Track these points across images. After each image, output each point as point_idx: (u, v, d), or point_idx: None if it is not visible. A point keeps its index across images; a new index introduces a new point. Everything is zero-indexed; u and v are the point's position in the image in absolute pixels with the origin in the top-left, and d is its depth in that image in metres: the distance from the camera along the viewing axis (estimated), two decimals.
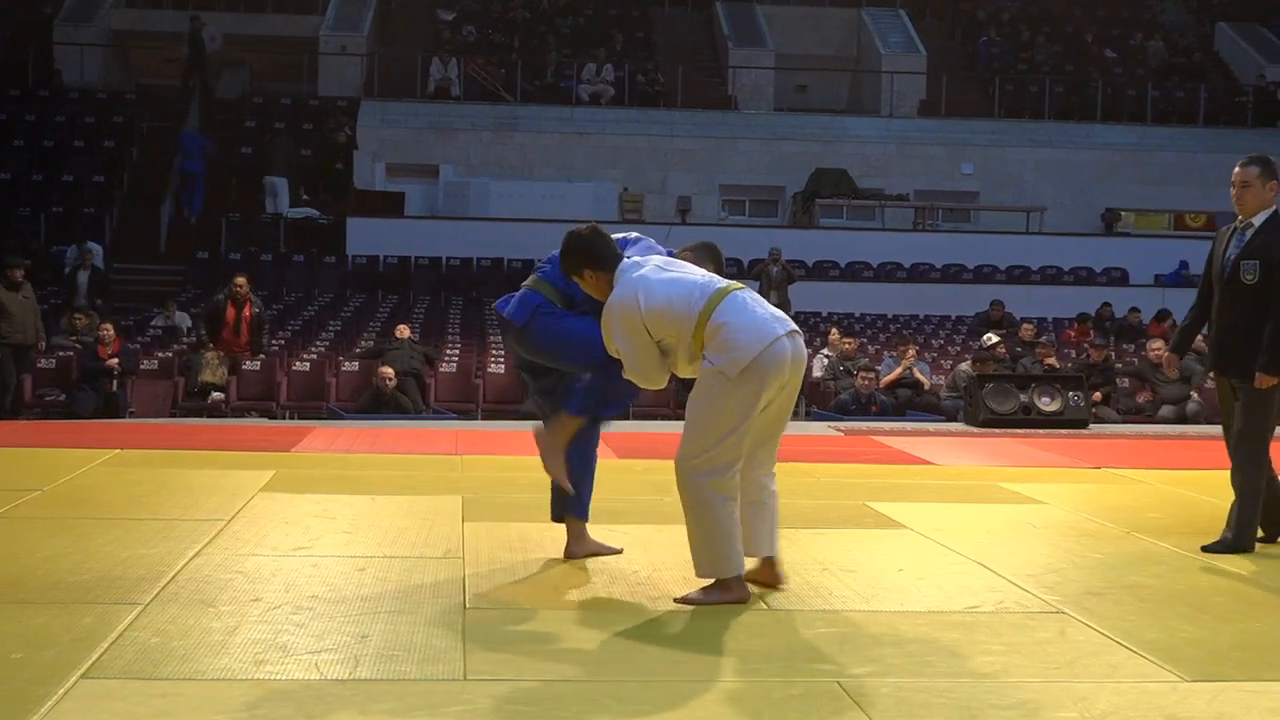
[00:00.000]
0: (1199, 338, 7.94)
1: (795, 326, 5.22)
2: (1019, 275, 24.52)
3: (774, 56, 29.50)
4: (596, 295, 5.34)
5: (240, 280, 15.72)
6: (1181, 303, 21.69)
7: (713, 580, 5.19)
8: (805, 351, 5.27)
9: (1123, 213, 27.65)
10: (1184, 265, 24.48)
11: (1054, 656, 4.61)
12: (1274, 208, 6.78)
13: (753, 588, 5.27)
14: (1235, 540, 6.45)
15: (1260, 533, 6.59)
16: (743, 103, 28.66)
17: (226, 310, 15.51)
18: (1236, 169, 6.83)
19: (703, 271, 5.31)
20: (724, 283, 5.20)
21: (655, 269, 5.24)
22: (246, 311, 15.61)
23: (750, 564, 5.34)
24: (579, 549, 5.93)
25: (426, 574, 5.54)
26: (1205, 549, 6.43)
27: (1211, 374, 7.15)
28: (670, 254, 5.61)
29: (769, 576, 5.41)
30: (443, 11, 30.60)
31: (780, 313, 5.24)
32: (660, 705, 3.95)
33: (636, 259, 5.33)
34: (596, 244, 5.32)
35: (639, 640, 4.64)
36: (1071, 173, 27.42)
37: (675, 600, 5.21)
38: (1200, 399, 15.71)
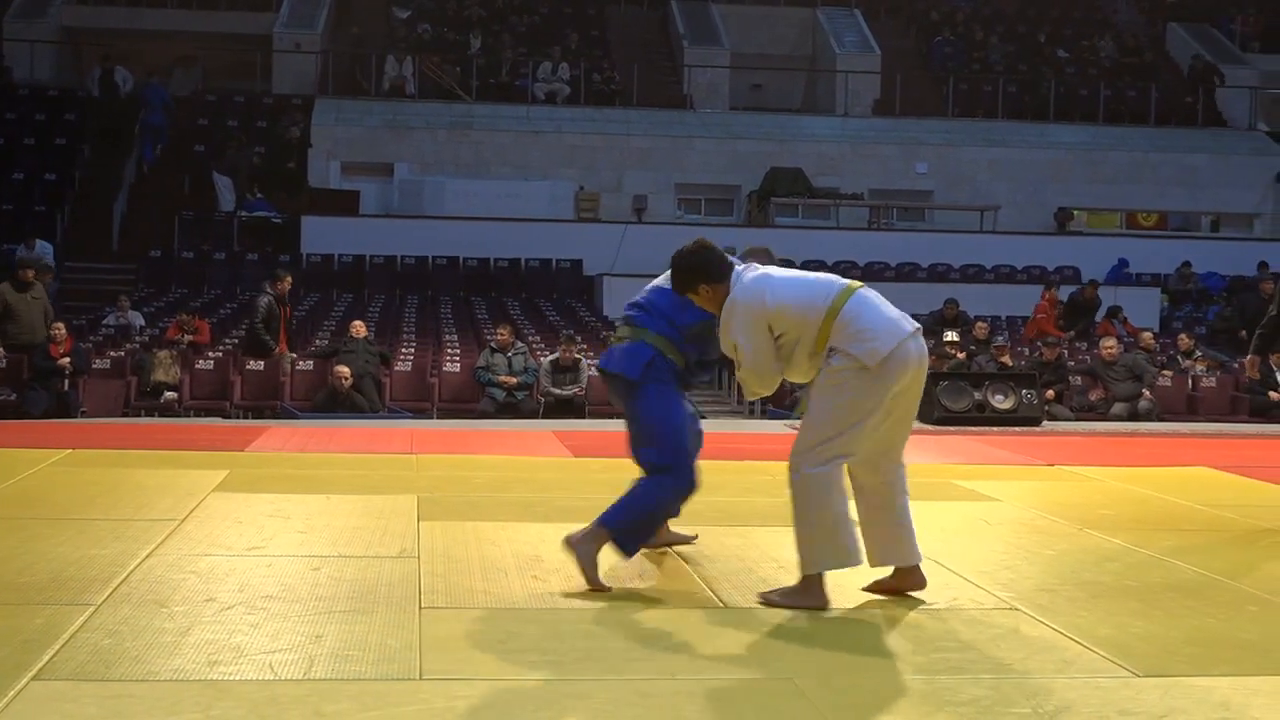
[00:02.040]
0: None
1: (918, 326, 5.25)
2: (973, 274, 24.64)
3: (729, 55, 29.53)
4: (712, 309, 5.36)
5: (290, 279, 15.71)
6: (1129, 300, 22.02)
7: (798, 581, 5.19)
8: (926, 351, 5.27)
9: (1075, 212, 27.86)
10: (1124, 263, 24.72)
11: (1008, 653, 4.64)
12: None
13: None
14: None
15: None
16: (698, 102, 28.69)
17: (280, 311, 15.40)
18: None
19: (823, 274, 5.35)
20: (849, 281, 5.26)
21: (771, 271, 5.30)
22: (288, 312, 15.72)
23: (881, 571, 5.33)
24: (656, 538, 5.97)
25: (381, 573, 5.52)
26: None
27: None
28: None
29: (913, 582, 5.37)
30: (398, 9, 30.48)
31: (903, 314, 5.26)
32: (618, 704, 3.95)
33: (747, 266, 5.35)
34: (708, 257, 5.34)
35: (596, 639, 4.64)
36: (1025, 172, 27.58)
37: (758, 597, 5.24)
38: (1151, 397, 15.85)
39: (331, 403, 13.98)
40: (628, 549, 5.54)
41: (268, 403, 14.75)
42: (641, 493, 5.55)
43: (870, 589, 5.36)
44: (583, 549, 5.44)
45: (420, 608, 4.98)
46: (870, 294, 5.23)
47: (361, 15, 30.46)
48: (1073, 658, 4.59)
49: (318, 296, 21.69)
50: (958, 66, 30.53)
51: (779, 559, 5.99)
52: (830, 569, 5.15)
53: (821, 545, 5.11)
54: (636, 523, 5.53)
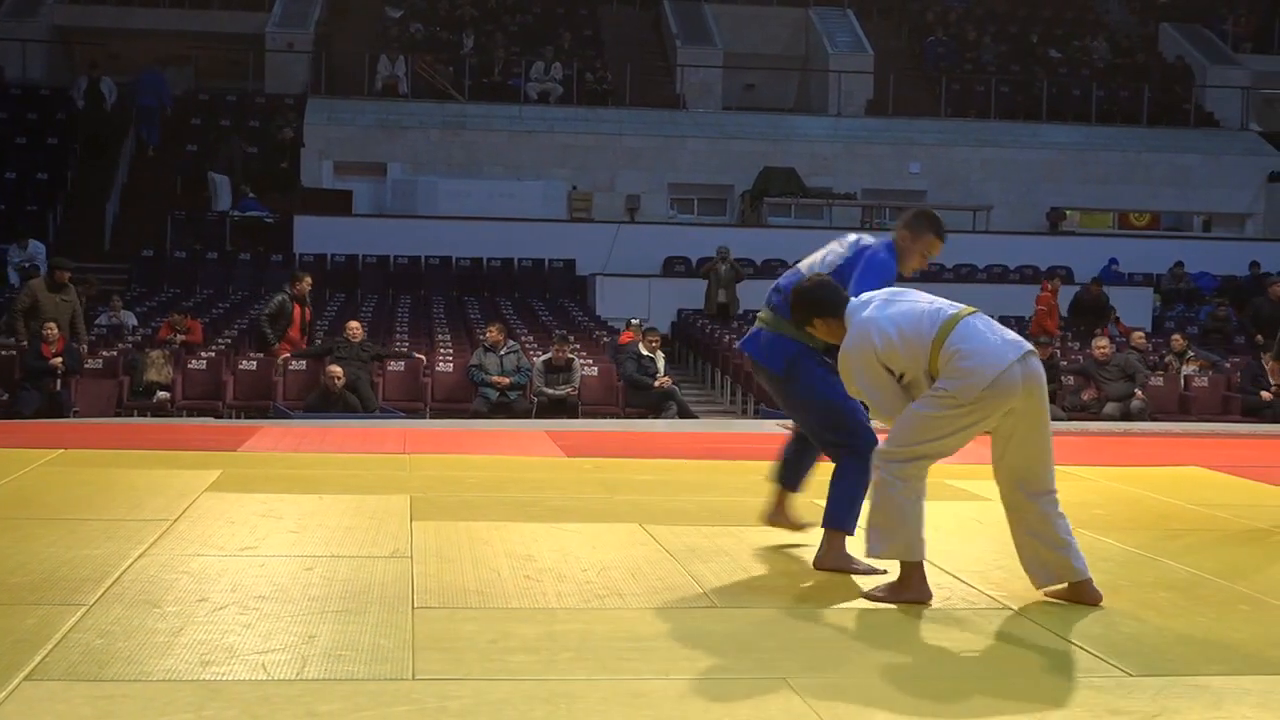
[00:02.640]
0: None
1: (1031, 347, 5.24)
2: (965, 274, 24.66)
3: (722, 55, 29.55)
4: (831, 340, 5.49)
5: (309, 280, 15.82)
6: (1122, 300, 22.04)
7: (897, 579, 5.30)
8: (1042, 370, 5.26)
9: (1068, 212, 27.90)
10: (1114, 262, 24.77)
11: (1000, 652, 4.65)
12: None
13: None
14: None
15: None
16: (691, 101, 28.70)
17: (294, 310, 15.50)
18: None
19: (930, 298, 5.38)
20: (955, 309, 5.27)
21: (881, 305, 5.31)
22: (307, 313, 15.77)
23: (1058, 587, 5.35)
24: (780, 516, 6.25)
25: (374, 573, 5.52)
26: None
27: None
28: (877, 256, 5.82)
29: (1089, 595, 5.34)
30: (390, 9, 30.48)
31: (1015, 336, 5.26)
32: (610, 703, 3.95)
33: (864, 296, 5.41)
34: (819, 294, 5.46)
35: (587, 638, 4.63)
36: (1017, 172, 27.62)
37: (863, 594, 5.34)
38: (1143, 396, 15.87)
39: (324, 403, 13.97)
40: (851, 529, 5.75)
41: (260, 403, 14.73)
42: (844, 484, 5.74)
43: (1051, 595, 5.38)
44: (835, 561, 5.73)
45: (413, 608, 4.97)
46: (976, 321, 5.22)
47: (354, 15, 30.45)
48: (1065, 657, 4.60)
49: (310, 297, 21.63)
50: (950, 66, 30.57)
51: (771, 559, 6.00)
52: (897, 557, 5.28)
53: (892, 533, 5.23)
54: (855, 508, 5.72)
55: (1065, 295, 21.32)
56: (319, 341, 16.70)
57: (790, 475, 6.19)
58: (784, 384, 5.83)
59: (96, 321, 18.52)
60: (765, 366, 5.88)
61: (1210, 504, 8.01)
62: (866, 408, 5.70)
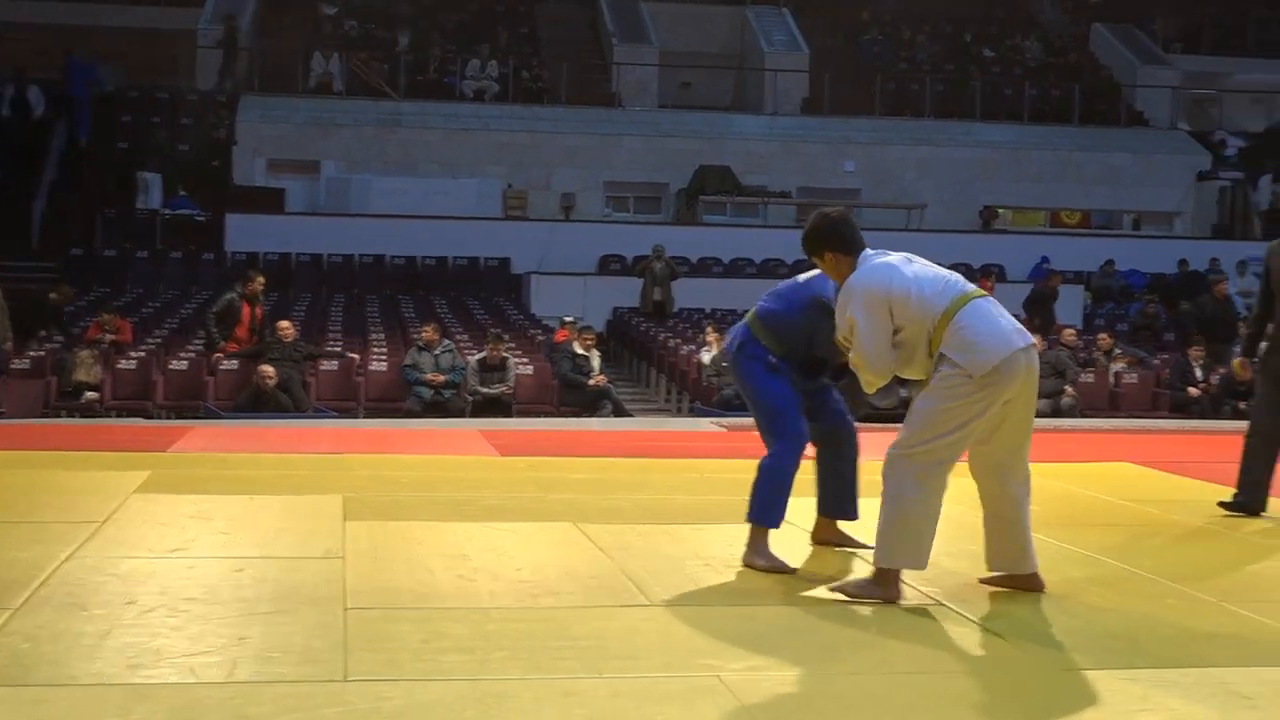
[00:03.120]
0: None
1: (1032, 340, 5.24)
2: None
3: (658, 54, 29.56)
4: (834, 276, 5.43)
5: (261, 279, 15.69)
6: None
7: (873, 573, 5.28)
8: (1038, 364, 5.28)
9: (1000, 210, 28.12)
10: (1045, 260, 25.01)
11: (932, 648, 4.67)
12: None
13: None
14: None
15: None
16: (627, 100, 28.69)
17: (243, 309, 15.35)
18: None
19: (948, 271, 5.33)
20: (970, 286, 5.24)
21: (904, 260, 5.27)
22: (259, 311, 15.59)
23: (998, 575, 5.47)
24: (834, 538, 6.26)
25: (306, 574, 5.48)
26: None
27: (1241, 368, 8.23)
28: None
29: (1031, 585, 5.45)
30: (325, 6, 30.29)
31: (1019, 325, 5.25)
32: (543, 702, 3.94)
33: (880, 251, 5.37)
34: (843, 229, 5.38)
35: (520, 638, 4.62)
36: (951, 170, 27.81)
37: (829, 589, 5.33)
38: (1074, 393, 16.02)
39: (256, 403, 13.86)
40: (774, 522, 5.80)
41: (191, 403, 14.60)
42: (763, 476, 5.79)
43: (988, 581, 5.50)
44: (752, 558, 5.76)
45: (345, 608, 4.94)
46: (987, 304, 5.21)
47: (288, 11, 30.21)
48: (996, 652, 4.63)
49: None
50: (885, 65, 30.75)
51: (705, 556, 6.00)
52: (902, 567, 5.23)
53: (899, 543, 5.17)
54: (769, 498, 5.77)
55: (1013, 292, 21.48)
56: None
57: (830, 502, 6.22)
58: (732, 366, 5.99)
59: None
60: (728, 350, 6.04)
61: (1140, 499, 8.09)
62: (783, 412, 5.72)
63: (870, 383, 5.37)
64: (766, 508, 5.78)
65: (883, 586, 5.23)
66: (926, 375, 5.23)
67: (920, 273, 5.22)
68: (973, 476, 5.38)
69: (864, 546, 5.95)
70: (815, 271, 5.76)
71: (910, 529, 5.15)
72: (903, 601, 5.24)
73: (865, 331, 5.15)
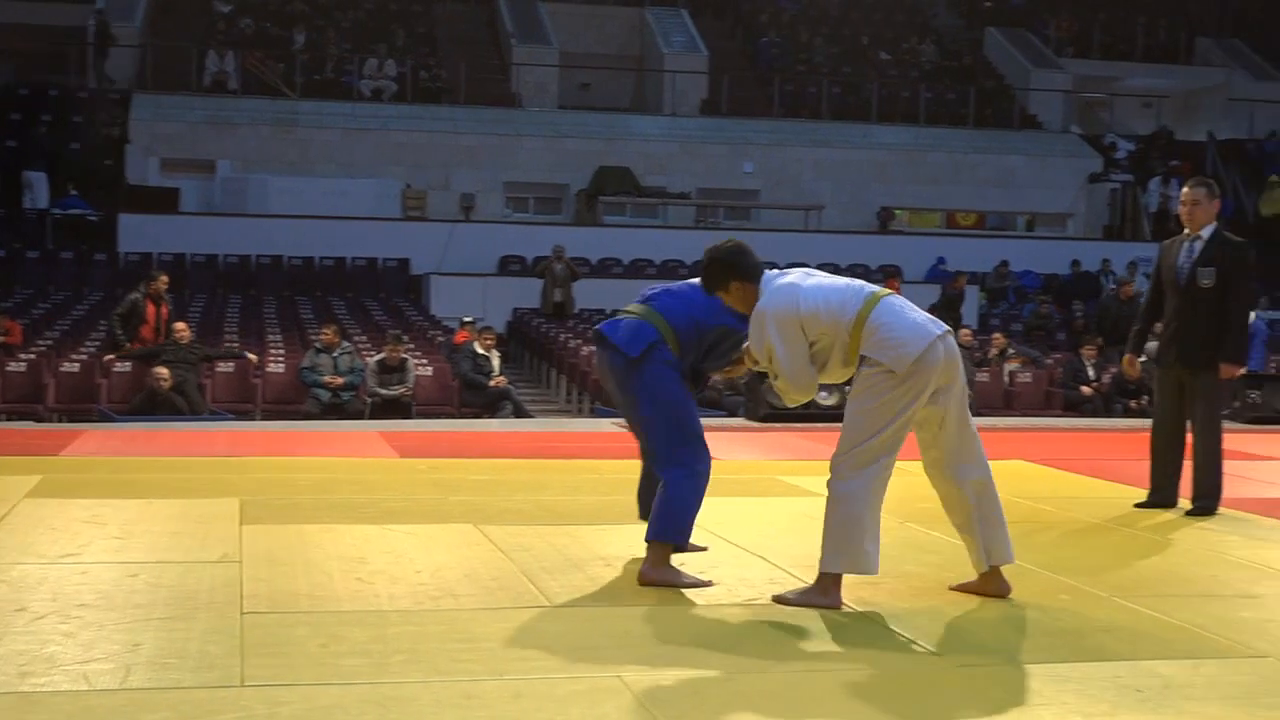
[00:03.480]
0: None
1: (947, 328, 5.28)
2: None
3: (558, 54, 29.54)
4: (741, 308, 5.37)
5: (165, 279, 15.61)
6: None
7: (815, 580, 5.25)
8: (958, 351, 5.32)
9: (897, 211, 28.42)
10: (941, 261, 25.33)
11: (830, 646, 4.71)
12: (1215, 223, 7.69)
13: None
14: (1211, 503, 7.63)
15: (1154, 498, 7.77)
16: (526, 100, 28.64)
17: (147, 309, 15.21)
18: (1186, 189, 7.75)
19: (847, 279, 5.39)
20: (874, 288, 5.30)
21: (803, 276, 5.31)
22: (164, 310, 15.43)
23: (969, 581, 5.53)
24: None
25: (202, 579, 5.41)
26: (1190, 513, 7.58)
27: (1144, 365, 8.34)
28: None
29: (996, 587, 5.46)
30: (219, 3, 29.92)
31: (931, 316, 5.30)
32: (443, 704, 3.92)
33: (779, 272, 5.37)
34: (744, 258, 5.35)
35: (420, 640, 4.60)
36: (848, 172, 28.05)
37: (773, 599, 5.27)
38: (970, 392, 16.22)
39: (150, 405, 13.66)
40: (685, 544, 5.62)
41: (83, 406, 14.36)
42: (674, 494, 5.51)
43: (959, 589, 5.54)
44: (659, 576, 5.51)
45: (242, 613, 4.89)
46: (897, 301, 5.27)
47: (182, 8, 29.80)
48: (892, 647, 4.68)
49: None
50: (783, 67, 30.96)
51: (606, 557, 6.01)
52: (845, 572, 5.21)
53: (841, 548, 5.16)
54: (682, 520, 5.53)
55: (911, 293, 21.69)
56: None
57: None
58: (631, 370, 5.53)
59: None
60: (619, 346, 5.56)
61: (1034, 496, 8.22)
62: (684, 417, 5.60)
63: (796, 400, 5.41)
64: (685, 528, 5.57)
65: (824, 593, 5.23)
66: (845, 378, 5.32)
67: (822, 285, 5.28)
68: (933, 486, 5.45)
69: (697, 549, 5.93)
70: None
71: (854, 532, 5.16)
72: (769, 598, 5.30)
73: (784, 354, 5.19)
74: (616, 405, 5.92)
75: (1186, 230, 7.71)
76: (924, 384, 5.14)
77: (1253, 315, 17.30)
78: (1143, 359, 8.41)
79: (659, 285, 5.86)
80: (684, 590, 5.44)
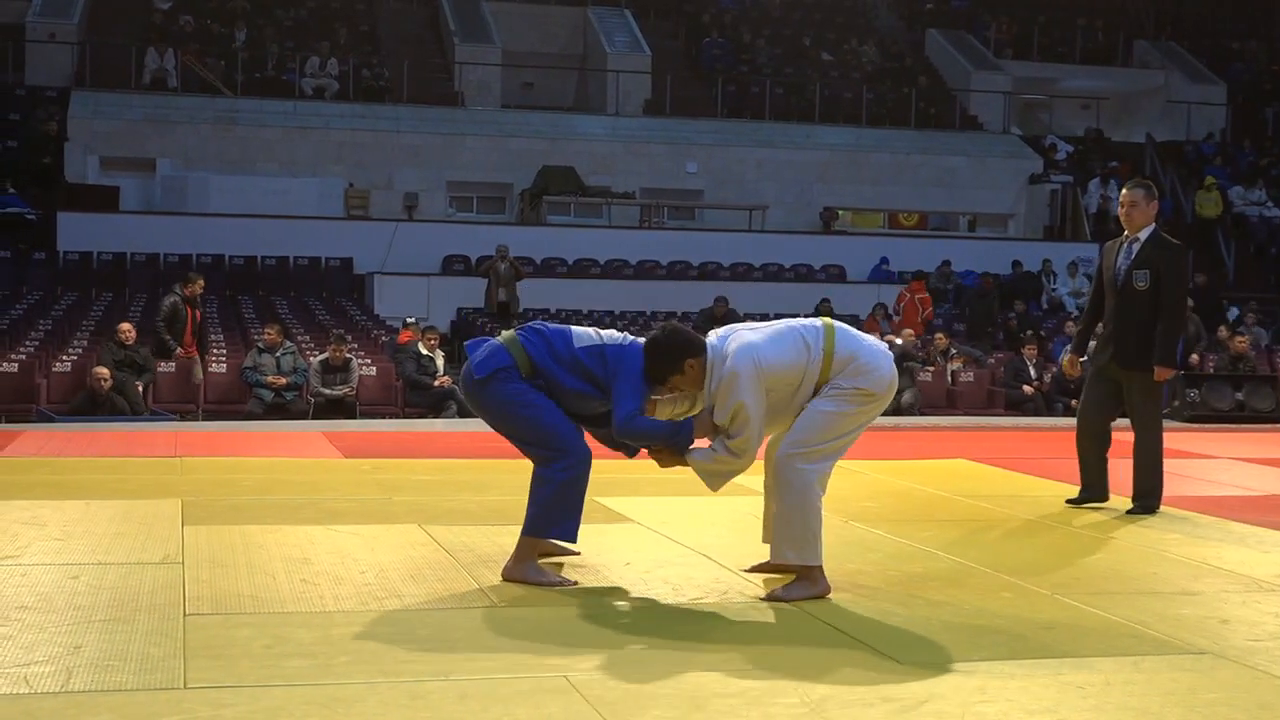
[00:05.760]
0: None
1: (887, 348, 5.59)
2: (742, 272, 25.04)
3: (500, 53, 29.46)
4: (694, 387, 5.40)
5: (201, 282, 15.77)
6: (892, 298, 22.63)
7: (795, 576, 5.39)
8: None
9: (840, 211, 28.54)
10: (885, 261, 25.48)
11: (776, 644, 4.72)
12: (1154, 225, 7.71)
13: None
14: (1152, 502, 7.66)
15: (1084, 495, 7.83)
16: (469, 99, 28.56)
17: (187, 312, 15.36)
18: (1125, 191, 7.78)
19: (785, 320, 5.53)
20: (820, 321, 5.47)
21: (748, 331, 5.42)
22: (198, 315, 15.62)
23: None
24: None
25: (144, 580, 5.37)
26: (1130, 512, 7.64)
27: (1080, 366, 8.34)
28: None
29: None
30: (159, 0, 29.65)
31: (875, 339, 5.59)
32: (389, 706, 3.91)
33: (719, 332, 5.44)
34: (685, 335, 5.42)
35: (366, 640, 4.58)
36: (792, 172, 28.13)
37: (765, 598, 5.33)
38: (914, 391, 16.33)
39: (91, 405, 13.53)
40: (569, 536, 5.55)
41: (23, 406, 14.20)
42: (546, 489, 5.49)
43: (758, 569, 5.74)
44: (521, 572, 5.49)
45: (184, 615, 4.85)
46: (845, 327, 5.49)
47: (120, 5, 29.50)
48: (839, 647, 4.70)
49: (75, 296, 20.97)
50: (726, 68, 31.02)
51: (552, 557, 5.99)
52: (812, 563, 5.37)
53: (808, 540, 5.34)
54: (563, 512, 5.49)
55: (864, 292, 21.84)
56: (84, 344, 16.18)
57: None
58: (480, 388, 5.43)
59: None
60: (472, 366, 5.46)
61: (976, 495, 8.28)
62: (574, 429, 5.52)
63: (742, 468, 5.47)
64: (566, 522, 5.51)
65: (814, 585, 5.37)
66: (785, 426, 5.44)
67: (774, 335, 5.39)
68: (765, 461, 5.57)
69: (569, 553, 5.93)
70: (620, 343, 5.50)
71: (816, 523, 5.37)
72: (713, 597, 5.32)
73: (756, 413, 5.28)
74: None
75: (1126, 232, 7.79)
76: (884, 404, 5.44)
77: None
78: (1083, 359, 8.49)
79: (533, 325, 5.66)
80: (631, 590, 5.45)
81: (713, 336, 5.44)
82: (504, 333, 5.65)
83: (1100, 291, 7.96)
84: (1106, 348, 7.82)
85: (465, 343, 5.79)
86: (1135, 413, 7.82)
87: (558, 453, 5.45)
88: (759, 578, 5.67)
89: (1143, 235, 7.70)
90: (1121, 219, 7.82)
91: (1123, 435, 7.99)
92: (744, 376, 5.24)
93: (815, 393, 5.35)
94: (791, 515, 5.35)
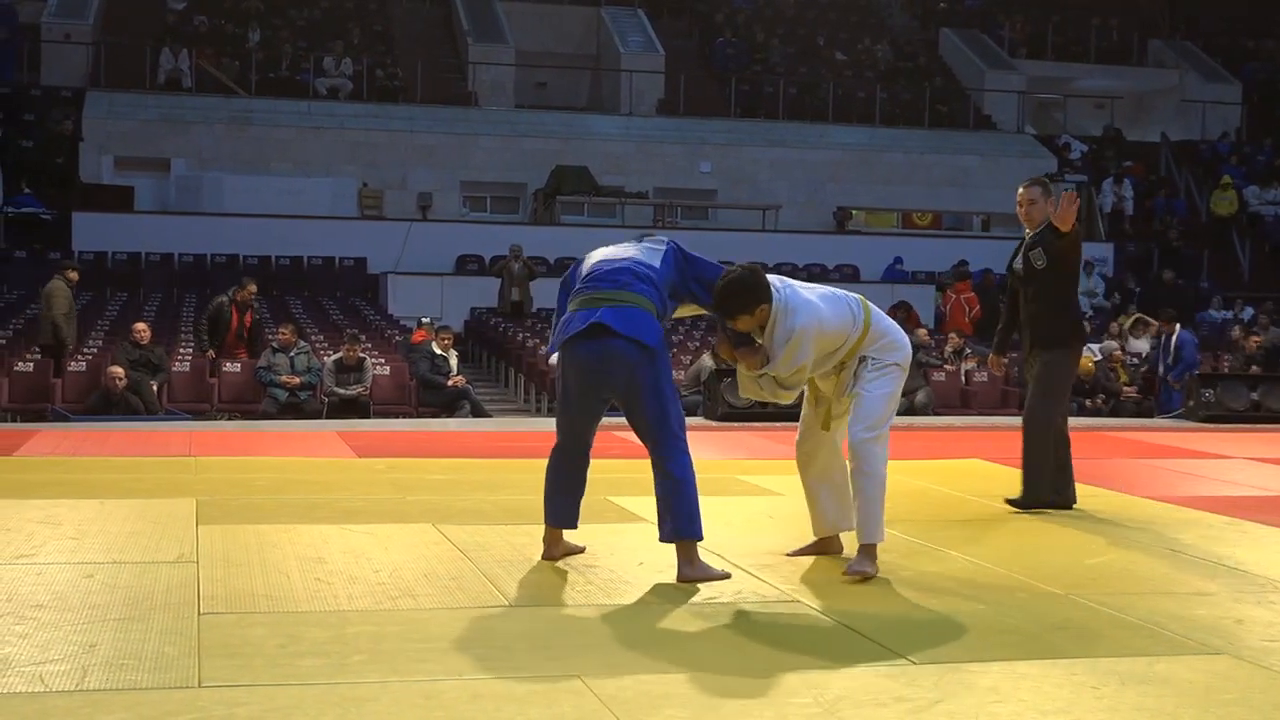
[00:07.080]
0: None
1: None
2: None
3: (514, 53, 29.48)
4: (753, 328, 5.62)
5: (253, 287, 16.07)
6: (909, 296, 22.60)
7: (861, 552, 5.72)
8: None
9: (853, 211, 28.50)
10: (898, 261, 25.44)
11: (790, 644, 4.72)
12: (1046, 220, 7.70)
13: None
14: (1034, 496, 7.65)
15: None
16: (483, 99, 28.57)
17: (232, 316, 15.59)
18: (1021, 190, 7.84)
19: (828, 286, 5.88)
20: (855, 294, 5.84)
21: (803, 289, 5.71)
22: (248, 319, 15.82)
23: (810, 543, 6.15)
24: (557, 549, 5.93)
25: (158, 579, 5.38)
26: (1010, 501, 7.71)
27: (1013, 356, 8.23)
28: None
29: (837, 546, 6.11)
30: (173, 1, 29.71)
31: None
32: (402, 704, 3.92)
33: (778, 283, 5.61)
34: (759, 279, 5.57)
35: (380, 640, 4.58)
36: (805, 172, 28.10)
37: (845, 575, 5.65)
38: (928, 391, 16.30)
39: (105, 405, 13.57)
40: (700, 534, 5.62)
41: (38, 405, 14.25)
42: (689, 490, 5.57)
43: (802, 552, 6.11)
44: (693, 572, 5.57)
45: (199, 613, 4.86)
46: (873, 305, 5.88)
47: (135, 6, 29.57)
48: (852, 647, 4.69)
49: (90, 296, 21.01)
50: (739, 67, 31.00)
51: (565, 558, 6.00)
52: (880, 540, 5.76)
53: (879, 519, 5.72)
54: (697, 509, 5.57)
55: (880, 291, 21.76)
56: (100, 343, 16.21)
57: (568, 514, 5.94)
58: (651, 362, 5.41)
59: None
60: (638, 339, 5.37)
61: (990, 495, 8.26)
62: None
63: (788, 398, 5.89)
64: (699, 518, 5.58)
65: (873, 561, 5.69)
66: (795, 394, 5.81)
67: (826, 297, 5.72)
68: (803, 445, 6.03)
69: (580, 550, 6.00)
70: (605, 251, 5.69)
71: (883, 503, 5.71)
72: (728, 597, 5.36)
73: (809, 371, 5.69)
74: (593, 398, 5.66)
75: (1026, 230, 7.85)
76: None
77: (1177, 327, 17.68)
78: (1005, 360, 8.69)
79: (603, 263, 5.63)
80: (644, 590, 5.45)
81: (784, 287, 5.63)
82: (601, 297, 5.48)
83: (1016, 293, 7.97)
84: (1024, 336, 7.89)
85: (598, 317, 5.43)
86: (1027, 395, 8.06)
87: (682, 440, 5.61)
88: (772, 576, 5.67)
89: (1041, 229, 7.73)
90: (1021, 217, 7.87)
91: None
92: (809, 337, 5.53)
93: (842, 362, 5.69)
94: (875, 494, 5.68)
